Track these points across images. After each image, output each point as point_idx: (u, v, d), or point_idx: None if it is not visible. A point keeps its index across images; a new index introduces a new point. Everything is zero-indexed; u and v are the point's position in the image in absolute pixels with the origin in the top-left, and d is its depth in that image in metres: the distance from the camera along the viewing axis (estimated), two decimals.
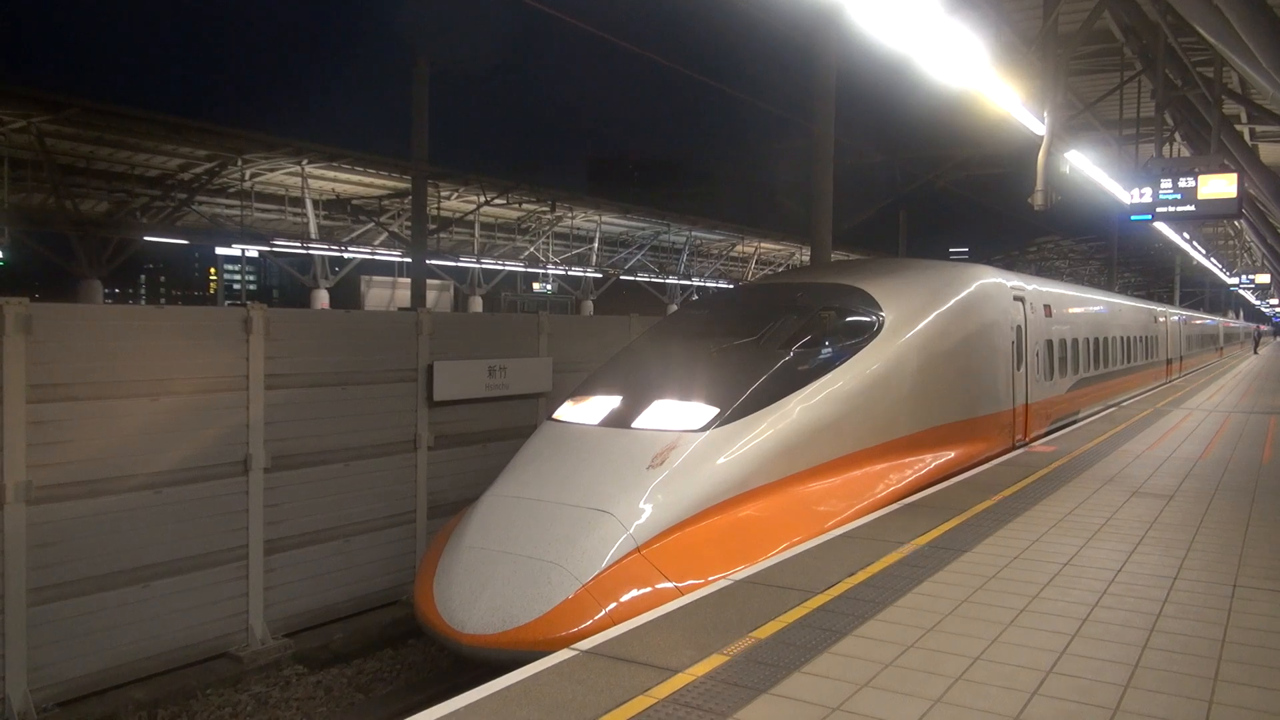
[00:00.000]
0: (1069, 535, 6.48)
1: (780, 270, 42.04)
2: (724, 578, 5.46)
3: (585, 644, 4.37)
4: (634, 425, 6.74)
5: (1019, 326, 10.79)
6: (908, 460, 8.03)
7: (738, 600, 4.99)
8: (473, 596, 5.57)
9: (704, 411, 6.69)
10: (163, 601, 7.06)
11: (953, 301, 9.12)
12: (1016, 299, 10.90)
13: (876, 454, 7.63)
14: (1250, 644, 4.36)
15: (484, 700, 3.76)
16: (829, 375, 7.32)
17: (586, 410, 7.24)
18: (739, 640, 4.38)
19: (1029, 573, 5.53)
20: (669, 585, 5.54)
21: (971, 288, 9.69)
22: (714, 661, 4.12)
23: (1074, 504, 7.55)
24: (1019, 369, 10.72)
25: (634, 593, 5.47)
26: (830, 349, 7.67)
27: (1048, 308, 12.37)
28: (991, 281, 10.33)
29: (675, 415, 6.73)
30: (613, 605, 5.36)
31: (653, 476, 6.14)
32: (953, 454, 8.76)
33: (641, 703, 3.71)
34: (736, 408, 6.71)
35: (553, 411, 7.61)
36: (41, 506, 6.39)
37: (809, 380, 7.18)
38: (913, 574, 5.47)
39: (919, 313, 8.51)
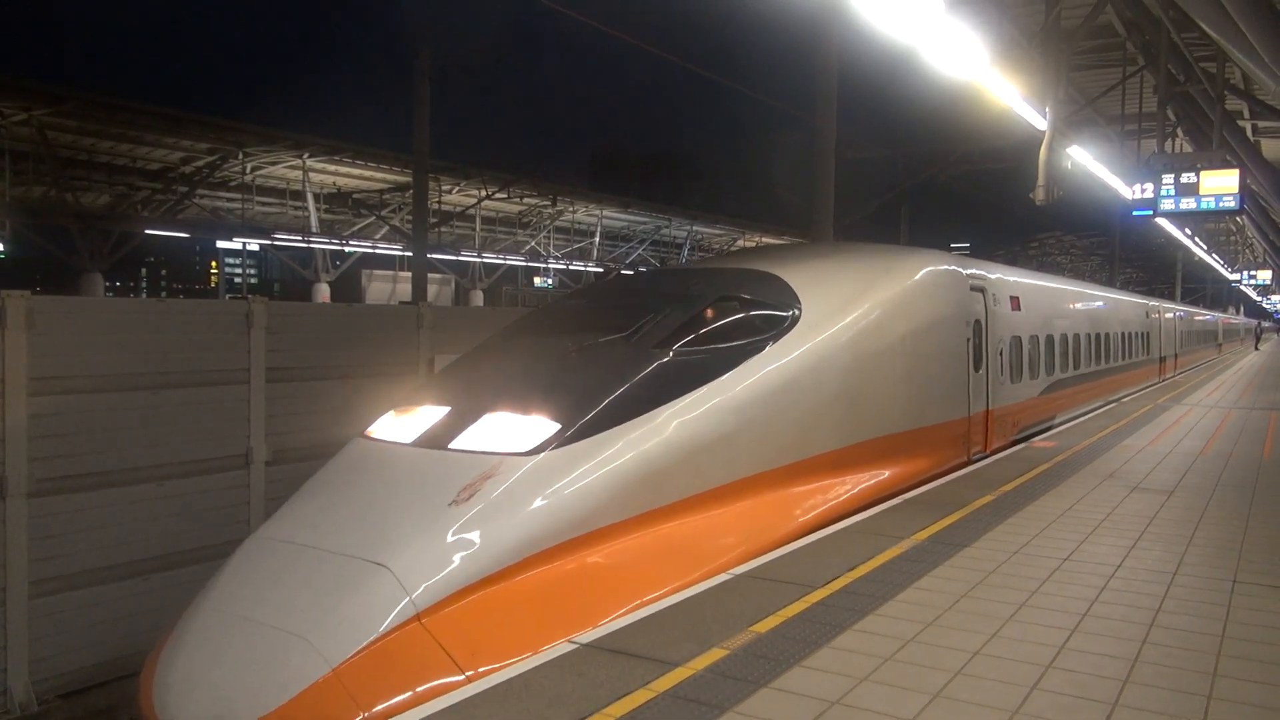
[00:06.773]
0: (1069, 530, 6.49)
1: None
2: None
3: (585, 637, 4.38)
4: (450, 446, 5.41)
5: (978, 321, 9.53)
6: (825, 483, 6.75)
7: (737, 594, 5.00)
8: (195, 678, 4.33)
9: (541, 428, 5.35)
10: (164, 594, 7.07)
11: (891, 292, 7.86)
12: (975, 290, 9.61)
13: (782, 477, 6.35)
14: (1249, 639, 4.36)
15: (484, 694, 3.77)
16: (719, 381, 5.99)
17: (405, 425, 5.86)
18: (739, 634, 4.38)
19: (1029, 568, 5.53)
20: (454, 677, 4.22)
21: (917, 277, 8.45)
22: (714, 655, 4.12)
23: (1074, 499, 7.56)
24: (978, 370, 9.41)
25: (402, 679, 4.20)
26: (724, 347, 6.34)
27: (1015, 300, 10.99)
28: (943, 269, 9.07)
29: (504, 433, 5.40)
30: (372, 697, 4.11)
31: (455, 516, 4.80)
32: (887, 473, 7.48)
33: (642, 696, 3.71)
34: (585, 424, 5.38)
35: (369, 425, 6.16)
36: (43, 499, 6.41)
37: (690, 387, 5.86)
38: (912, 569, 5.47)
39: (846, 305, 7.26)
